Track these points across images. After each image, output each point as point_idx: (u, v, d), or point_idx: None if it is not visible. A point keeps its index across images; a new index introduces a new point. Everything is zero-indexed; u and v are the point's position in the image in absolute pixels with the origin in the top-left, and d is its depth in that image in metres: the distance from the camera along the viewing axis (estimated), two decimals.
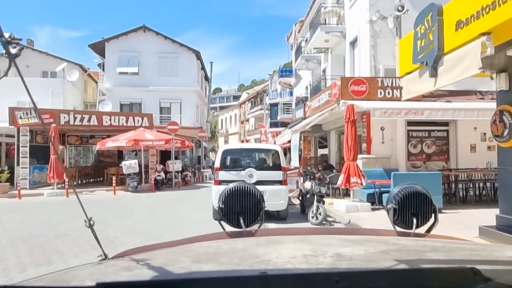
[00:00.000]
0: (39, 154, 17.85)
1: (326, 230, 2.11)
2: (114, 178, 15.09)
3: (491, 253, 1.05)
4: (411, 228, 1.64)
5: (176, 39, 26.54)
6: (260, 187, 2.06)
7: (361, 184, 9.07)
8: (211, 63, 33.28)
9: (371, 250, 1.01)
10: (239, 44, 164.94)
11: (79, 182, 18.20)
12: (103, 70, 27.10)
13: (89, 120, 17.23)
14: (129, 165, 14.86)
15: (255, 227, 1.82)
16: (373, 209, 9.21)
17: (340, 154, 16.65)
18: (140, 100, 25.76)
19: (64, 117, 16.60)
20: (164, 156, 20.74)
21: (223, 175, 8.02)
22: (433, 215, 1.69)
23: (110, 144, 15.66)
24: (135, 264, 0.96)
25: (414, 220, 1.66)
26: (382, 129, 11.34)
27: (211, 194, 8.21)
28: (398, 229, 1.66)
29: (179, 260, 1.01)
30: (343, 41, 15.25)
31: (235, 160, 8.53)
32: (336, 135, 16.65)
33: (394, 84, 11.03)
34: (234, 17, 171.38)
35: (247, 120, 52.76)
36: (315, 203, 8.03)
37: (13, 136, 16.40)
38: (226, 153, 8.35)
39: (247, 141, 23.55)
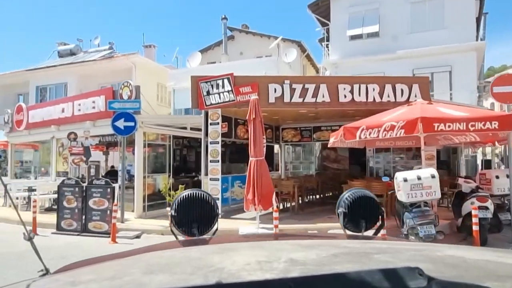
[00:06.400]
0: (242, 157, 11.35)
1: (279, 236, 2.03)
2: None
3: (433, 253, 1.08)
4: (360, 231, 1.77)
5: None
6: None
7: None
8: (485, 14, 20.88)
9: (323, 254, 1.02)
10: None
11: (301, 208, 10.56)
12: (327, 40, 19.65)
13: (315, 95, 9.38)
14: (417, 180, 5.84)
15: (209, 234, 1.79)
16: None
17: None
18: (382, 72, 16.71)
19: (275, 90, 9.28)
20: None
21: None
22: (380, 218, 1.85)
23: (362, 133, 7.08)
24: (80, 278, 0.92)
25: (363, 223, 1.78)
26: None
27: None
28: (348, 232, 1.78)
29: (129, 272, 0.95)
30: None
31: None
32: None
33: None
34: None
35: None
36: None
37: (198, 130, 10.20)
38: None
39: None
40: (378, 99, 9.59)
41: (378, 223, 1.83)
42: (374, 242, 1.47)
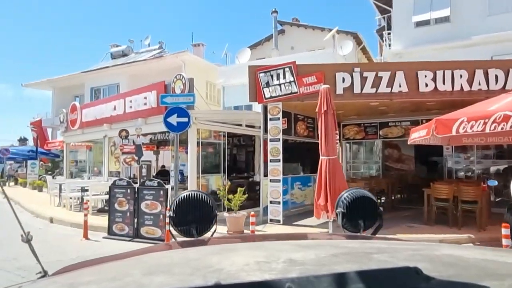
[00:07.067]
0: (296, 156, 10.34)
1: (278, 236, 2.03)
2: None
3: (431, 252, 1.08)
4: (359, 231, 1.77)
5: None
6: None
7: None
8: None
9: (322, 254, 1.01)
10: None
11: None
12: (387, 29, 18.05)
13: (390, 84, 8.11)
14: None
15: (207, 235, 1.81)
16: None
17: None
18: None
19: (343, 79, 8.13)
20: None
21: None
22: (378, 218, 1.83)
23: (461, 126, 5.75)
24: (79, 280, 0.90)
25: (361, 223, 1.78)
26: None
27: None
28: (347, 232, 1.79)
29: (129, 273, 0.92)
30: None
31: None
32: None
33: None
34: None
35: None
36: None
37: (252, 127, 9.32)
38: None
39: None
40: (466, 88, 8.12)
41: (377, 223, 1.84)
42: (373, 242, 1.45)
